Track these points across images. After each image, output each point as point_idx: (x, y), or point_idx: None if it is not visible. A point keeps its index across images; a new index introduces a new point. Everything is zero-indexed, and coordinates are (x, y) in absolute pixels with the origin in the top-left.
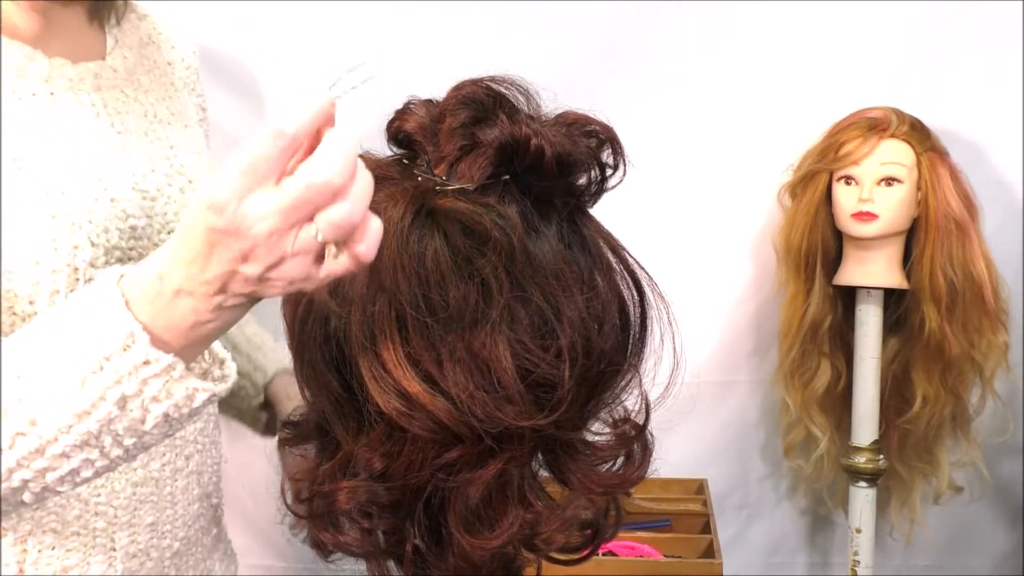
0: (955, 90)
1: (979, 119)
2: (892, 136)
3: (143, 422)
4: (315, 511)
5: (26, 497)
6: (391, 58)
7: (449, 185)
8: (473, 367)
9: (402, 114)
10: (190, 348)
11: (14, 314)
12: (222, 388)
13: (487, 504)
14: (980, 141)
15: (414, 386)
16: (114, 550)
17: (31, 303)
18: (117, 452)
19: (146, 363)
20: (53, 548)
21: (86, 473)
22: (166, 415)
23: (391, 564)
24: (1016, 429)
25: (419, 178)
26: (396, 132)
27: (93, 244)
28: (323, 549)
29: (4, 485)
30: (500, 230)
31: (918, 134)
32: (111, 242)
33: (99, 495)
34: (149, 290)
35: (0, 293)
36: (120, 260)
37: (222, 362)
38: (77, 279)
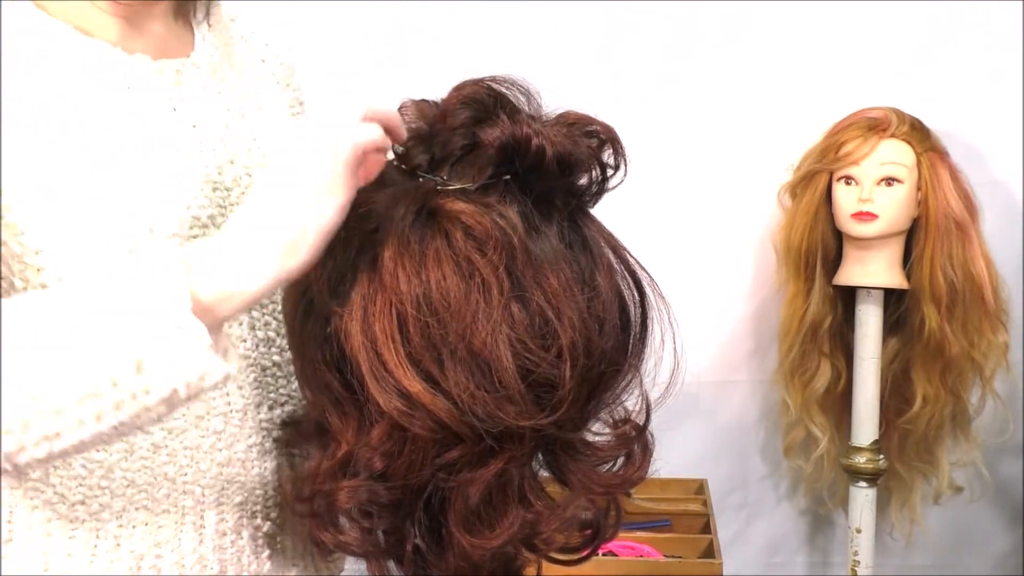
0: (955, 90)
1: (979, 119)
2: (892, 136)
3: (149, 392)
4: (315, 510)
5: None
6: (391, 58)
7: (450, 185)
8: (474, 366)
9: (400, 115)
10: (219, 319)
11: None
12: (232, 370)
13: (487, 504)
14: (980, 141)
15: (415, 385)
16: (203, 527)
17: None
18: (110, 420)
19: (180, 329)
20: (146, 524)
21: (68, 439)
22: (174, 392)
23: (391, 564)
24: (1016, 429)
25: (420, 178)
26: None
27: (151, 231)
28: (323, 548)
29: (22, 437)
30: (501, 230)
31: (918, 134)
32: (170, 229)
33: (186, 475)
34: (208, 251)
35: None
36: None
37: (225, 351)
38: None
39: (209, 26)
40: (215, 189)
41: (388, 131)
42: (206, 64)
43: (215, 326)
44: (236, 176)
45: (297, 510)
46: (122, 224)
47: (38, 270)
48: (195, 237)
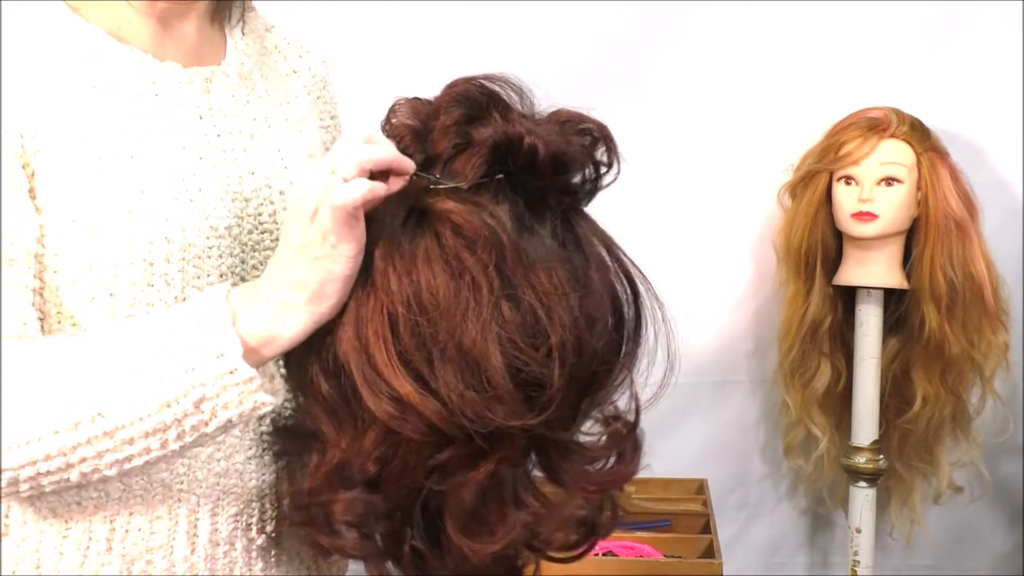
0: (955, 90)
1: (979, 119)
2: (892, 136)
3: (208, 424)
4: (312, 518)
5: (73, 475)
6: (388, 57)
7: (442, 184)
8: (463, 366)
9: (392, 114)
10: (264, 360)
11: (94, 303)
12: (279, 401)
13: (482, 506)
14: (980, 141)
15: (405, 386)
16: (196, 536)
17: (111, 295)
18: (174, 447)
19: (232, 372)
20: (139, 530)
21: (137, 462)
22: (229, 421)
23: (390, 564)
24: (1016, 429)
25: (412, 177)
26: (388, 132)
27: (168, 240)
28: (321, 551)
29: (62, 460)
30: (490, 229)
31: (918, 134)
32: (187, 239)
33: (181, 483)
34: (251, 299)
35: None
36: (198, 257)
37: (272, 377)
38: (152, 273)
39: (243, 34)
40: (234, 199)
41: (389, 170)
42: (236, 73)
43: (261, 363)
44: (256, 187)
45: (294, 519)
46: (139, 231)
47: (55, 272)
48: (210, 247)
